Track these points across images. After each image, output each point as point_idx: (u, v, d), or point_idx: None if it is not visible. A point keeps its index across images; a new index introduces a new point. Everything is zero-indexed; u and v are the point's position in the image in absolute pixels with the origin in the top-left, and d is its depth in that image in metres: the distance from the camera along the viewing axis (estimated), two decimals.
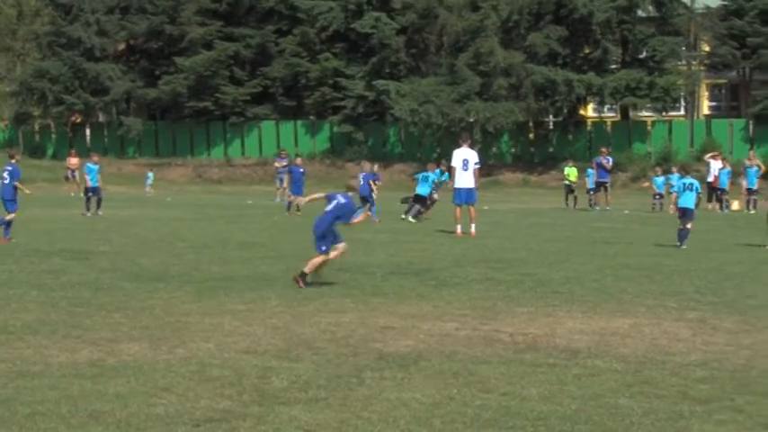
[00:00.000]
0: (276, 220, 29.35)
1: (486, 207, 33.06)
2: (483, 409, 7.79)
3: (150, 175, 54.33)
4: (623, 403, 8.02)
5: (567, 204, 38.86)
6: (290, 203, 32.46)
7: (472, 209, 24.34)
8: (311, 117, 64.99)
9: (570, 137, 58.51)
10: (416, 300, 13.56)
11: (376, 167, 33.01)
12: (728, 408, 7.91)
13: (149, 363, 9.30)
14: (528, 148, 58.51)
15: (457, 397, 8.16)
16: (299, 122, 63.96)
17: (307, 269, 14.82)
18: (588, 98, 59.22)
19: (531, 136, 59.95)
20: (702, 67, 62.12)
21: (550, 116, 60.41)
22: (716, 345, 10.58)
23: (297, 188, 33.03)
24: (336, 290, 14.33)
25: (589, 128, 60.20)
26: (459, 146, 25.04)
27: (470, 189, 24.35)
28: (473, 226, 24.00)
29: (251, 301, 13.11)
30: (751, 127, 54.84)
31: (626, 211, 35.88)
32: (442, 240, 22.66)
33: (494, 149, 58.71)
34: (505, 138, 59.00)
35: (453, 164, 24.63)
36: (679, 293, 14.39)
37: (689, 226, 21.60)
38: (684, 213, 21.85)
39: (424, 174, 31.83)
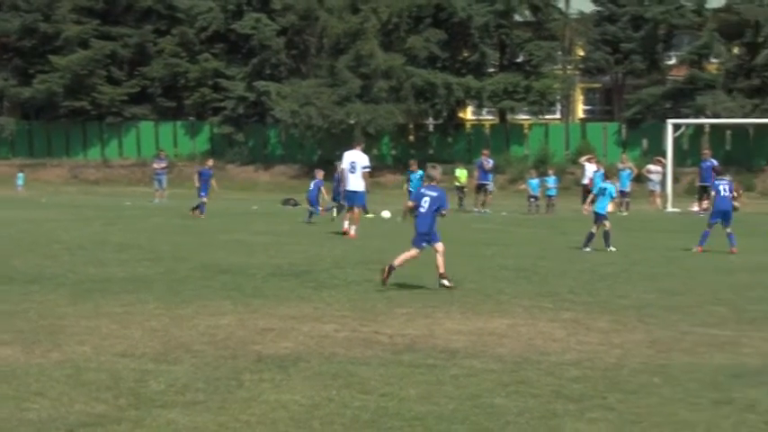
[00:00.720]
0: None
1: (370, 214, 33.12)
2: (362, 410, 7.83)
3: (21, 175, 53.25)
4: (499, 402, 8.14)
5: (459, 206, 39.09)
6: (199, 205, 31.90)
7: (356, 211, 24.58)
8: (191, 118, 64.38)
9: (450, 139, 59.10)
10: (296, 301, 13.55)
11: (321, 174, 33.16)
12: (600, 406, 8.10)
13: (22, 367, 9.12)
14: (408, 151, 58.87)
15: (336, 398, 8.19)
16: (179, 123, 63.31)
17: (397, 263, 15.05)
18: (467, 101, 59.87)
19: (412, 138, 60.36)
20: (577, 72, 63.37)
21: (430, 119, 60.91)
22: (589, 344, 10.82)
23: (205, 189, 32.57)
24: (215, 292, 14.24)
25: (468, 130, 60.88)
26: (351, 148, 25.44)
27: (355, 191, 24.64)
28: (353, 228, 24.19)
29: (128, 304, 12.94)
30: (624, 131, 56.12)
31: (504, 213, 36.39)
32: (322, 242, 22.68)
33: (374, 151, 58.92)
34: (386, 140, 59.32)
35: (342, 165, 25.15)
36: (554, 294, 14.66)
37: (607, 227, 21.85)
38: (599, 218, 22.15)
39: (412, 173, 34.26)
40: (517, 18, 58.77)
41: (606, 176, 23.84)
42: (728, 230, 21.62)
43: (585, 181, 37.70)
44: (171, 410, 7.69)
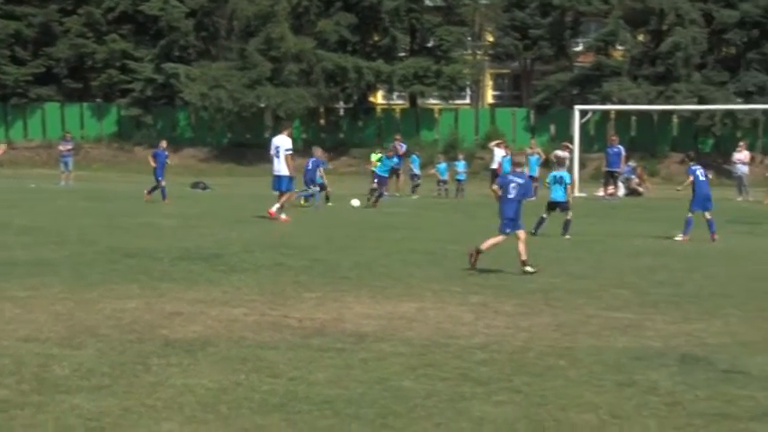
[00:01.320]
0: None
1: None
2: (270, 394, 7.82)
3: None
4: (407, 386, 8.19)
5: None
6: (156, 188, 31.17)
7: (285, 195, 24.85)
8: (98, 100, 63.35)
9: (360, 123, 59.11)
10: (205, 285, 13.46)
11: (320, 152, 32.56)
12: (507, 388, 8.19)
13: None
14: (319, 134, 58.70)
15: (244, 382, 8.16)
16: (85, 105, 62.27)
17: (484, 246, 15.24)
18: (378, 85, 59.92)
19: (322, 122, 60.24)
20: (487, 57, 63.80)
21: (341, 102, 60.85)
22: (497, 328, 10.93)
23: (161, 171, 31.79)
24: (122, 276, 14.07)
25: (379, 115, 60.95)
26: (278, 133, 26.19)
27: (280, 176, 24.92)
28: (275, 206, 24.42)
29: (32, 288, 12.72)
30: (532, 116, 56.69)
31: (414, 197, 36.53)
32: (232, 226, 22.53)
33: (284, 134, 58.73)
34: (297, 123, 59.07)
35: (271, 151, 25.55)
36: (463, 278, 14.77)
37: (569, 216, 22.03)
38: (555, 206, 22.35)
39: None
40: (427, 3, 58.94)
41: (515, 164, 24.09)
42: (709, 217, 21.37)
43: (494, 166, 37.99)
44: (75, 395, 7.59)
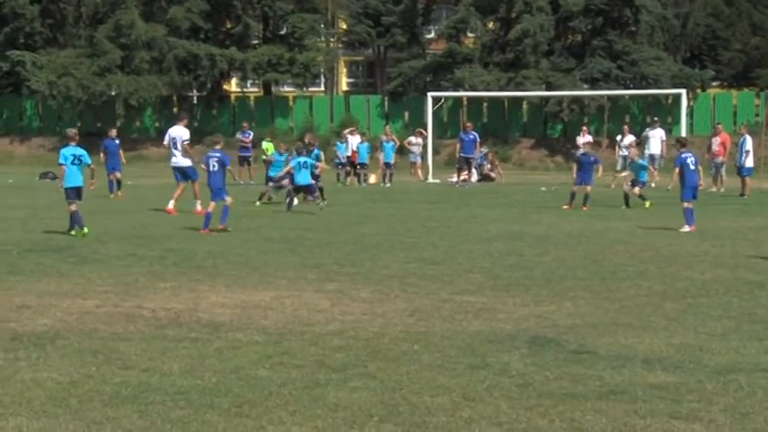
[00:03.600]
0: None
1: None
2: (122, 386, 7.71)
3: None
4: (263, 374, 8.18)
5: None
6: (113, 182, 29.31)
7: (195, 185, 23.92)
8: None
9: (214, 112, 58.50)
10: (56, 277, 13.18)
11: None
12: (362, 374, 8.25)
13: None
14: (171, 123, 57.81)
15: (96, 375, 8.03)
16: None
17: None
18: (231, 73, 59.41)
19: (175, 110, 59.35)
20: (340, 45, 63.90)
21: (194, 91, 60.11)
22: (352, 314, 10.99)
23: (114, 162, 29.90)
24: None
25: (233, 102, 60.45)
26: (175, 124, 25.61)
27: (183, 167, 24.33)
28: (198, 203, 23.37)
29: None
30: (386, 103, 57.01)
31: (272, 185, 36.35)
32: (84, 216, 22.04)
33: (137, 124, 57.84)
34: (149, 112, 58.21)
35: (165, 142, 25.32)
36: (319, 265, 14.80)
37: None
38: (300, 189, 24.47)
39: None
40: None
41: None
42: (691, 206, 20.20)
43: (349, 153, 38.10)
44: None
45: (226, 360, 8.67)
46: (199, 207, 23.10)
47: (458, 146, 37.95)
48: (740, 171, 31.54)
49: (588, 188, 25.51)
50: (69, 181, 18.75)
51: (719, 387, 7.91)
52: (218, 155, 19.81)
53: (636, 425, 6.95)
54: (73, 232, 18.29)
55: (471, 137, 37.34)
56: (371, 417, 7.09)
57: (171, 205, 23.47)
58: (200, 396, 7.47)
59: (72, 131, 19.67)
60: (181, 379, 7.96)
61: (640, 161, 27.19)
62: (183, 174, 24.33)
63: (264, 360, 8.70)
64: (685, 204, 20.17)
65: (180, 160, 24.39)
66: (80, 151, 18.93)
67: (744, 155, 31.60)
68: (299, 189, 24.72)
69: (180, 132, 24.60)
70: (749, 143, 31.94)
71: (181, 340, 9.43)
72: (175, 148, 24.45)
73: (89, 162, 19.24)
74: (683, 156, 20.42)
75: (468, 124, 39.64)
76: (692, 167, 20.32)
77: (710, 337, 9.77)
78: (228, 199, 19.80)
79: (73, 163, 18.78)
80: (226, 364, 8.53)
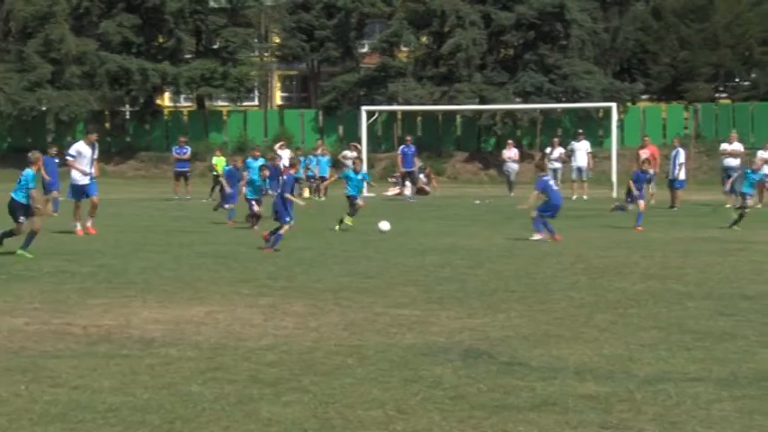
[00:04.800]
0: None
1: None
2: (52, 404, 7.62)
3: None
4: (195, 390, 8.13)
5: (211, 195, 37.93)
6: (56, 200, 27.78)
7: (94, 199, 22.30)
8: None
9: (147, 126, 58.11)
10: None
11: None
12: (295, 389, 8.23)
13: None
14: (104, 138, 57.35)
15: (24, 393, 7.92)
16: None
17: None
18: (164, 87, 59.12)
19: (108, 125, 58.91)
20: (274, 59, 63.83)
21: (127, 105, 59.67)
22: (286, 329, 10.96)
23: (53, 180, 28.07)
24: None
25: (166, 117, 60.09)
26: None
27: (82, 185, 22.32)
28: (90, 221, 22.26)
29: None
30: (320, 117, 57.03)
31: (204, 201, 36.15)
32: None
33: (68, 139, 57.16)
34: (80, 127, 57.56)
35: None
36: (253, 280, 14.74)
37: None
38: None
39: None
40: (212, 4, 58.50)
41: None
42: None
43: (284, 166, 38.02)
44: None
45: (158, 376, 8.60)
46: (90, 225, 21.99)
47: (399, 159, 38.14)
48: (672, 183, 31.95)
49: (642, 204, 23.97)
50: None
51: (649, 397, 8.01)
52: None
53: None
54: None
55: (412, 150, 37.57)
56: (305, 431, 7.08)
57: (80, 227, 21.93)
58: (132, 413, 7.41)
59: (33, 155, 19.05)
60: (112, 396, 7.88)
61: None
62: (83, 192, 22.31)
63: (197, 376, 8.65)
64: (534, 214, 20.91)
65: (82, 178, 22.31)
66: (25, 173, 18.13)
67: (677, 167, 32.00)
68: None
69: (78, 148, 22.77)
70: (683, 156, 32.39)
71: (112, 357, 9.34)
72: (88, 164, 22.50)
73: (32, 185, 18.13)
74: (545, 179, 21.28)
75: (409, 137, 39.89)
76: (554, 188, 21.29)
77: (640, 348, 9.89)
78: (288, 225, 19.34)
79: (20, 182, 18.03)
80: (158, 380, 8.46)
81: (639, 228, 22.94)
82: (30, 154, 19.09)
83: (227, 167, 27.96)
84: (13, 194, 17.94)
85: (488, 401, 7.88)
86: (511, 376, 8.69)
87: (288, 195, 19.34)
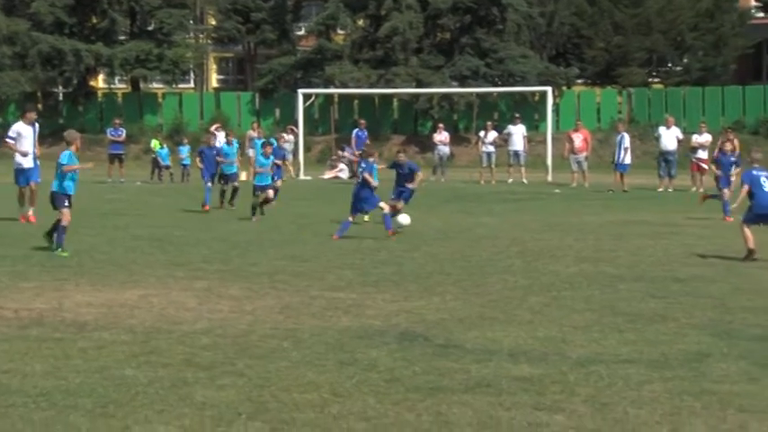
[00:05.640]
0: None
1: None
2: None
3: None
4: (129, 374, 8.08)
5: (152, 178, 37.62)
6: None
7: (32, 185, 21.08)
8: None
9: (81, 108, 57.34)
10: None
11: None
12: (230, 372, 8.22)
13: None
14: (36, 120, 56.53)
15: None
16: None
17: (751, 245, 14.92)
18: (98, 69, 58.31)
19: (40, 107, 58.00)
20: (210, 41, 63.29)
21: (60, 87, 58.82)
22: (221, 312, 10.93)
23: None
24: None
25: (100, 99, 59.34)
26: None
27: (26, 168, 21.28)
28: (31, 210, 21.00)
29: None
30: (257, 100, 56.70)
31: (138, 183, 35.83)
32: None
33: None
34: (12, 108, 56.65)
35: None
36: (188, 263, 14.67)
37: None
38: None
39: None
40: None
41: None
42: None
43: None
44: None
45: (90, 360, 8.54)
46: (31, 213, 20.80)
47: (352, 142, 38.14)
48: (618, 167, 32.10)
49: (727, 192, 22.10)
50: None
51: (581, 378, 8.10)
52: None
53: (500, 417, 7.07)
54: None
55: (365, 134, 37.57)
56: (239, 414, 7.06)
57: (25, 213, 20.92)
58: (64, 397, 7.35)
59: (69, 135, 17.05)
60: (43, 380, 7.81)
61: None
62: (26, 177, 21.15)
63: (131, 359, 8.59)
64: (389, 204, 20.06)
65: (22, 161, 21.26)
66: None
67: (623, 151, 32.21)
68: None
69: (17, 128, 21.73)
70: (627, 140, 32.61)
71: (44, 340, 9.25)
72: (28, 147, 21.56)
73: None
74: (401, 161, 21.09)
75: (362, 121, 39.99)
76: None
77: (573, 330, 10.00)
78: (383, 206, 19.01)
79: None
80: (90, 364, 8.40)
81: (729, 218, 20.57)
82: (66, 133, 17.43)
83: (224, 145, 26.94)
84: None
85: (423, 384, 7.92)
86: (446, 359, 8.74)
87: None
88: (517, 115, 41.17)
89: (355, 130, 38.85)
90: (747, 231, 14.94)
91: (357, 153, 38.03)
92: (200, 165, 25.03)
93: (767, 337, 9.68)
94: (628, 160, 32.46)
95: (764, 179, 15.14)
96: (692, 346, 9.27)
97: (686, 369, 8.40)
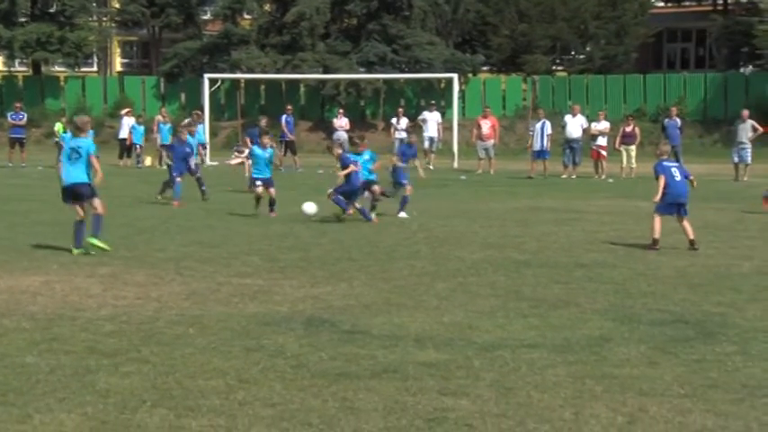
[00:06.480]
0: None
1: None
2: None
3: None
4: (30, 361, 7.97)
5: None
6: None
7: None
8: None
9: None
10: None
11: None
12: (134, 359, 8.14)
13: None
14: None
15: None
16: None
17: (657, 236, 15.05)
18: None
19: None
20: (113, 24, 62.41)
21: None
22: (126, 299, 10.82)
23: None
24: None
25: (0, 82, 58.17)
26: None
27: None
28: None
29: None
30: (162, 84, 56.10)
31: (40, 168, 35.21)
32: None
33: None
34: None
35: None
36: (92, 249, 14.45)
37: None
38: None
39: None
40: None
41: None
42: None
43: (124, 135, 37.40)
44: None
45: None
46: None
47: (283, 128, 37.70)
48: (540, 154, 32.33)
49: None
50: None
51: (486, 363, 8.19)
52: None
53: (406, 402, 7.12)
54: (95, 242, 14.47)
55: (292, 119, 37.33)
56: (144, 402, 7.01)
57: None
58: None
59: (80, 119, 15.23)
60: None
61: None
62: None
63: (32, 347, 8.46)
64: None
65: None
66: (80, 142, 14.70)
67: (545, 138, 32.49)
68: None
69: None
70: (549, 127, 32.92)
71: None
72: None
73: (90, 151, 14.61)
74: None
75: (289, 107, 39.81)
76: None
77: (479, 315, 10.10)
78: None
79: (70, 158, 14.58)
80: None
81: None
82: (77, 119, 15.73)
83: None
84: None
85: (330, 369, 7.94)
86: (352, 344, 8.77)
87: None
88: (433, 102, 41.34)
89: (284, 116, 38.51)
90: (658, 222, 15.20)
91: (291, 137, 37.78)
92: (169, 162, 23.74)
93: (667, 321, 9.88)
94: (548, 147, 32.79)
95: (675, 169, 15.50)
96: (595, 331, 9.43)
97: (588, 353, 8.54)
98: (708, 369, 8.08)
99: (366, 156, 20.07)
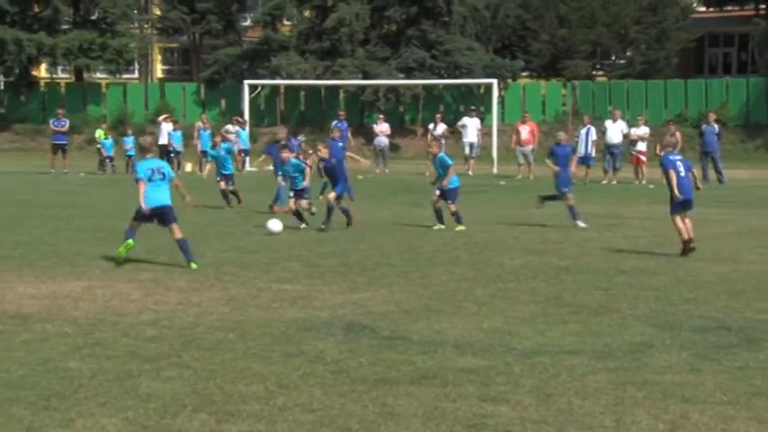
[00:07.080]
0: None
1: None
2: None
3: None
4: (72, 366, 8.02)
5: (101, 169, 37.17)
6: None
7: None
8: None
9: (23, 98, 56.70)
10: None
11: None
12: (176, 364, 8.18)
13: None
14: None
15: None
16: None
17: (686, 236, 14.89)
18: (40, 58, 57.64)
19: None
20: (154, 31, 62.81)
21: (1, 76, 58.09)
22: (167, 304, 10.87)
23: None
24: None
25: (43, 89, 58.69)
26: None
27: None
28: None
29: None
30: (202, 91, 56.39)
31: (82, 174, 35.51)
32: None
33: None
34: None
35: None
36: (133, 255, 14.49)
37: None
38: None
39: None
40: None
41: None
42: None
43: (164, 141, 37.62)
44: None
45: (33, 352, 8.46)
46: None
47: (336, 135, 37.63)
48: (585, 160, 32.07)
49: None
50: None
51: (526, 369, 8.16)
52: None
53: (446, 408, 7.10)
54: None
55: (345, 125, 37.19)
56: (185, 407, 7.04)
57: None
58: (6, 390, 7.27)
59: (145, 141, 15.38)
60: None
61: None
62: None
63: (74, 351, 8.52)
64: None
65: None
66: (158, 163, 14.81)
67: (590, 144, 32.30)
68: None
69: None
70: (594, 133, 32.69)
71: None
72: None
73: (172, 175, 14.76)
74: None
75: (342, 112, 39.69)
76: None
77: (519, 321, 10.06)
78: None
79: (151, 179, 14.38)
80: (33, 356, 8.32)
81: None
82: (140, 140, 15.93)
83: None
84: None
85: (369, 375, 7.93)
86: (392, 350, 8.76)
87: None
88: (473, 108, 41.26)
89: (335, 122, 38.39)
90: (680, 222, 15.04)
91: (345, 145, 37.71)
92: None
93: (709, 328, 9.80)
94: (594, 153, 32.59)
95: (680, 163, 15.29)
96: (636, 337, 9.37)
97: (629, 360, 8.49)
98: (751, 376, 8.00)
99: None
